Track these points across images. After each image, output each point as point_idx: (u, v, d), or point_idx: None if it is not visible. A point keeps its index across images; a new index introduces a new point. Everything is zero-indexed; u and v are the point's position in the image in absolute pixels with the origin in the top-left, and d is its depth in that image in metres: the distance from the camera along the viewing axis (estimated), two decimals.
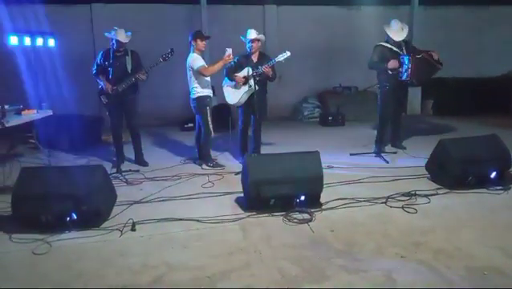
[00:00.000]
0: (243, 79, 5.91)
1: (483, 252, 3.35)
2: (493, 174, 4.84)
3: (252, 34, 5.92)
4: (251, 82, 5.87)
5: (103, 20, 8.90)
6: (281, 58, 5.82)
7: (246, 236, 3.77)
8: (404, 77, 6.26)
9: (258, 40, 5.96)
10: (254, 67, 5.89)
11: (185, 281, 3.02)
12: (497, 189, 4.71)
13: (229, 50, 5.64)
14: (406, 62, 6.20)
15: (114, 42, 5.83)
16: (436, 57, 6.41)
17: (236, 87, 6.00)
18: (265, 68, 5.77)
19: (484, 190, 4.71)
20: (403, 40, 6.45)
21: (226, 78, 6.07)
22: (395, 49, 6.38)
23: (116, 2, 9.55)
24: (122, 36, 5.78)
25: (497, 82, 10.44)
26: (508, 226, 3.83)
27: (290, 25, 10.40)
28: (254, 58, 6.00)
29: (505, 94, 10.15)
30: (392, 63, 6.23)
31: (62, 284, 3.02)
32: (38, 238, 3.68)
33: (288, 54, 5.80)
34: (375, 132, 6.65)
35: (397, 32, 6.31)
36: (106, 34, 5.88)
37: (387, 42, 6.45)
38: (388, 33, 6.33)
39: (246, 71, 5.91)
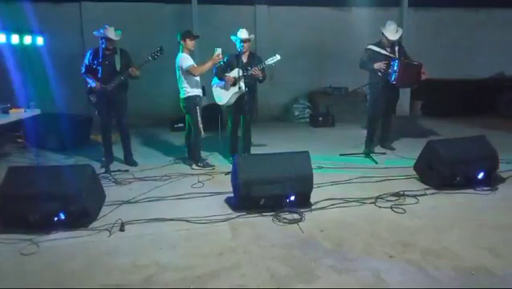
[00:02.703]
0: (232, 80, 5.91)
1: (471, 252, 3.38)
2: (481, 175, 4.89)
3: (243, 33, 5.92)
4: (241, 83, 5.87)
5: (93, 18, 8.84)
6: (271, 61, 5.85)
7: (236, 236, 3.76)
8: (391, 79, 6.36)
9: (249, 40, 5.96)
10: (244, 67, 5.89)
11: (175, 281, 3.01)
12: (484, 190, 4.77)
13: (218, 50, 5.64)
14: (395, 67, 6.32)
15: (103, 40, 5.79)
16: (424, 71, 6.51)
17: (225, 87, 6.00)
18: (254, 71, 5.79)
19: (472, 191, 4.76)
20: (398, 43, 6.61)
21: (215, 77, 6.05)
22: (383, 52, 6.49)
23: (106, 1, 9.49)
24: (112, 34, 5.75)
25: (486, 83, 10.56)
26: (495, 226, 3.88)
27: (281, 25, 10.42)
28: (244, 58, 6.00)
29: (493, 95, 10.28)
30: (378, 65, 6.38)
31: (50, 285, 2.99)
32: (25, 239, 3.64)
33: (278, 57, 5.83)
34: (365, 132, 6.69)
35: (392, 32, 6.45)
36: (95, 32, 5.84)
37: (379, 44, 6.56)
38: (384, 32, 6.46)
39: (236, 73, 5.90)
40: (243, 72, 5.86)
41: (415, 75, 6.48)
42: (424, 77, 6.48)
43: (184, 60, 5.72)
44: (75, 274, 3.13)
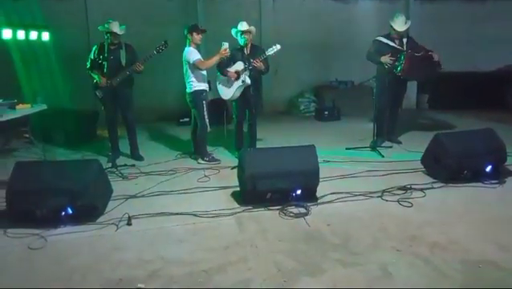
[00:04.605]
0: (235, 75, 5.88)
1: (478, 245, 3.36)
2: (489, 168, 4.86)
3: (243, 25, 5.88)
4: (244, 77, 5.85)
5: (98, 13, 8.83)
6: (271, 51, 5.82)
7: (242, 230, 3.77)
8: (397, 70, 6.36)
9: (250, 32, 5.92)
10: (246, 59, 5.86)
11: (181, 275, 3.02)
12: (492, 183, 4.73)
13: (225, 45, 5.62)
14: (402, 58, 6.31)
15: (108, 34, 5.78)
16: (436, 58, 6.46)
17: (228, 82, 5.98)
18: (255, 62, 5.75)
19: (479, 184, 4.73)
20: (407, 35, 6.59)
21: (218, 73, 6.03)
22: (391, 44, 6.46)
23: None
24: (116, 28, 5.74)
25: (493, 76, 10.46)
26: (503, 220, 3.85)
27: (287, 18, 10.36)
28: (247, 50, 5.96)
29: (500, 88, 10.17)
30: (384, 58, 6.38)
31: (57, 279, 3.01)
32: (33, 233, 3.66)
33: (278, 47, 5.80)
34: (372, 125, 6.65)
35: (400, 24, 6.43)
36: (100, 27, 5.84)
37: (387, 36, 6.54)
38: (392, 24, 6.44)
39: (239, 66, 5.88)
40: (246, 65, 5.83)
41: (424, 65, 6.43)
42: (435, 57, 6.43)
43: (191, 54, 5.71)
44: (82, 268, 3.14)
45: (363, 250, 3.34)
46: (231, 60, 5.92)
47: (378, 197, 4.47)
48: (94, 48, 5.98)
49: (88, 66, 5.95)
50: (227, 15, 9.38)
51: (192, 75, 5.81)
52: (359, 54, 6.97)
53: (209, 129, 5.98)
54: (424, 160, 5.26)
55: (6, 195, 3.90)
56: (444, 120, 8.67)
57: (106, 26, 5.75)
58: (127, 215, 3.94)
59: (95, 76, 5.88)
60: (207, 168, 5.67)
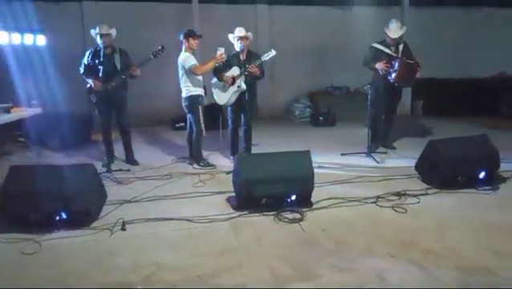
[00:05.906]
0: (231, 80, 5.90)
1: (472, 252, 3.38)
2: (483, 174, 4.89)
3: (240, 31, 5.91)
4: (239, 82, 5.87)
5: (94, 18, 8.78)
6: (266, 57, 5.86)
7: (237, 235, 3.76)
8: (391, 77, 6.39)
9: (247, 38, 5.95)
10: (243, 65, 5.88)
11: (176, 280, 3.01)
12: (486, 189, 4.76)
13: (221, 50, 5.64)
14: (396, 66, 6.34)
15: (101, 40, 5.75)
16: (418, 75, 6.53)
17: (224, 87, 5.99)
18: (251, 68, 5.78)
19: (473, 190, 4.75)
20: (403, 42, 6.63)
21: (215, 78, 6.04)
22: (387, 51, 6.51)
23: (107, 0, 9.49)
24: (105, 29, 5.72)
25: (487, 83, 10.53)
26: (497, 226, 3.87)
27: (282, 25, 10.42)
28: (243, 56, 5.99)
29: (494, 95, 10.24)
30: (379, 65, 6.43)
31: (51, 284, 2.99)
32: (27, 238, 3.63)
33: (273, 53, 5.84)
34: (367, 131, 6.67)
35: (395, 30, 6.46)
36: (91, 30, 5.84)
37: (382, 42, 6.58)
38: (386, 31, 6.48)
39: (234, 71, 5.90)
40: (242, 70, 5.85)
41: (411, 74, 6.49)
42: (418, 73, 6.50)
43: (187, 59, 5.72)
44: (76, 273, 3.13)
45: (358, 256, 3.34)
46: (227, 66, 5.94)
47: (372, 202, 4.48)
48: (87, 53, 5.96)
49: (82, 71, 5.94)
50: (223, 21, 9.41)
51: (187, 81, 5.82)
52: (354, 59, 7.01)
53: (204, 134, 5.99)
54: (418, 167, 5.28)
55: (0, 199, 3.87)
56: (439, 126, 8.70)
57: (96, 29, 5.75)
58: (121, 220, 3.93)
59: (89, 81, 5.86)
60: (202, 173, 5.66)
